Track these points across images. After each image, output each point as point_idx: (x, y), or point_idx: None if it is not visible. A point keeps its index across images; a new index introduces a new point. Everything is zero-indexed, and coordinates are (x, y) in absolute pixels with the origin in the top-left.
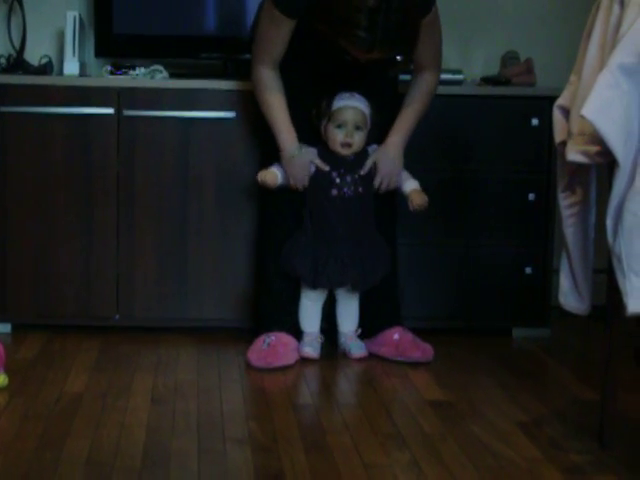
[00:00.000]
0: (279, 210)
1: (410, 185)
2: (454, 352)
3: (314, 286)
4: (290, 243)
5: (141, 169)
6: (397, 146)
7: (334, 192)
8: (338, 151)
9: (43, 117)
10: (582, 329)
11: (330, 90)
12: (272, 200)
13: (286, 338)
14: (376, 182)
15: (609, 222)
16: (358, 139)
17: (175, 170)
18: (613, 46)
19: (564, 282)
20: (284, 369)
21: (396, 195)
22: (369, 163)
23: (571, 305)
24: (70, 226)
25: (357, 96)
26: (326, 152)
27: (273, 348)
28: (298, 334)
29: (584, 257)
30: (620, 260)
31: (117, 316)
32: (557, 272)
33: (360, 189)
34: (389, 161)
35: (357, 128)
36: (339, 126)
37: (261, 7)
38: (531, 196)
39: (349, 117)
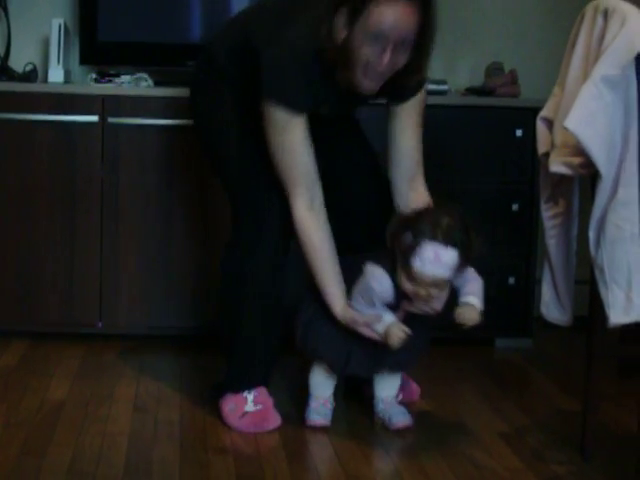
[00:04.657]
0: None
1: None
2: (437, 362)
3: (341, 373)
4: (310, 320)
5: (125, 176)
6: None
7: (399, 315)
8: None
9: (27, 124)
10: (564, 340)
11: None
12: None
13: (266, 393)
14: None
15: (592, 233)
16: (439, 295)
17: (159, 178)
18: (597, 58)
19: (546, 293)
20: None
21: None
22: None
23: (553, 316)
24: (53, 233)
25: (445, 256)
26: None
27: (263, 410)
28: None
29: (566, 268)
30: (602, 271)
31: (100, 323)
32: (540, 282)
33: None
34: None
35: (436, 286)
36: (412, 281)
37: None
38: (515, 206)
39: (425, 282)
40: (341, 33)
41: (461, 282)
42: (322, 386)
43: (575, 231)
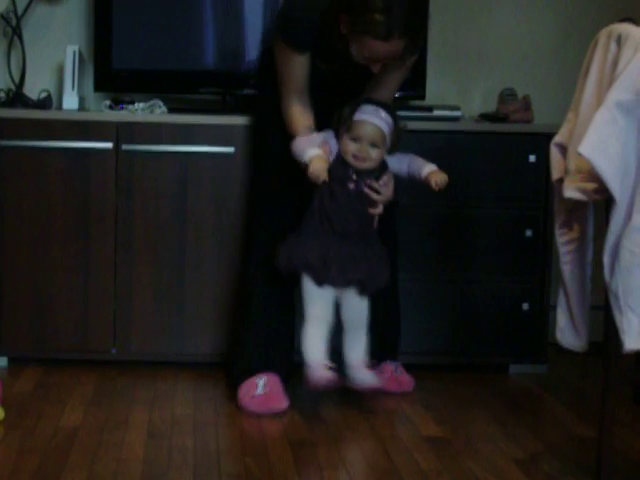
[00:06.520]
0: (269, 235)
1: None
2: (451, 388)
3: (322, 281)
4: (293, 235)
5: (139, 203)
6: None
7: (351, 186)
8: (349, 162)
9: (42, 151)
10: (579, 366)
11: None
12: (262, 225)
13: (276, 378)
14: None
15: (606, 259)
16: (374, 155)
17: (173, 205)
18: (610, 83)
19: (561, 318)
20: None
21: (395, 224)
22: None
23: (568, 342)
24: (68, 259)
25: (382, 113)
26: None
27: (270, 392)
28: (287, 375)
29: (581, 294)
30: (617, 297)
31: (114, 350)
32: (554, 308)
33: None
34: None
35: (373, 145)
36: (354, 139)
37: (274, 34)
38: (528, 232)
39: (365, 133)
40: (343, 28)
41: (407, 163)
42: (316, 347)
43: (590, 256)
